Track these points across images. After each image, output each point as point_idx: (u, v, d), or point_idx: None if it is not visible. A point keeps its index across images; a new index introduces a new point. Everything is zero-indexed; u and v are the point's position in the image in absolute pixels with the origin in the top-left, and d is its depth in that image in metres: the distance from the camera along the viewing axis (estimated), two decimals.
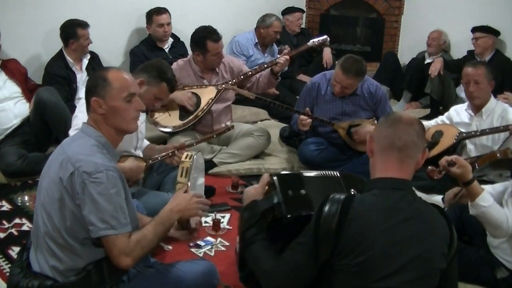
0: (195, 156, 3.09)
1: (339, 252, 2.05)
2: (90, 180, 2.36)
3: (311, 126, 4.77)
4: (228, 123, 4.45)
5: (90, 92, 2.59)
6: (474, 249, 3.41)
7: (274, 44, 6.92)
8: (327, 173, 2.64)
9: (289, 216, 2.36)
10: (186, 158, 3.05)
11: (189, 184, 2.93)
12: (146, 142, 4.21)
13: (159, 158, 3.77)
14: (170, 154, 3.83)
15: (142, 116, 3.96)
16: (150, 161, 3.70)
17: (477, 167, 3.13)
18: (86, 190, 2.36)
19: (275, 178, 2.51)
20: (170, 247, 3.55)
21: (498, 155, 3.13)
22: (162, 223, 2.59)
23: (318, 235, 2.06)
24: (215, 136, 4.45)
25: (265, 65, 5.20)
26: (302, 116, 4.70)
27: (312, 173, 2.68)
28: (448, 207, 3.42)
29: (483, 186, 3.51)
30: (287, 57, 5.09)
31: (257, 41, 6.72)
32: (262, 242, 2.35)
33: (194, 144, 4.12)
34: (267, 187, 2.55)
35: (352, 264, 2.03)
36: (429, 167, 2.71)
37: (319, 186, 2.54)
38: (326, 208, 2.09)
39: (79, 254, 2.45)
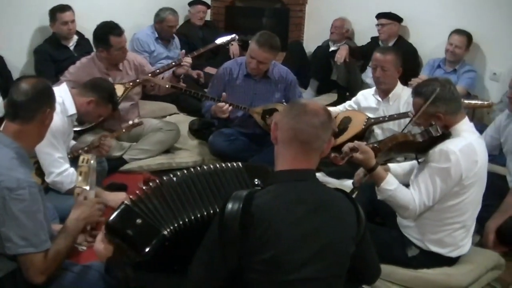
0: (92, 161, 3.04)
1: (247, 252, 2.00)
2: (12, 196, 2.32)
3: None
4: (136, 120, 4.40)
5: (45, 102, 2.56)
6: (386, 229, 3.50)
7: (176, 37, 6.89)
8: (227, 165, 2.51)
9: (147, 251, 2.21)
10: (82, 162, 2.99)
11: (88, 188, 2.89)
12: (72, 142, 4.20)
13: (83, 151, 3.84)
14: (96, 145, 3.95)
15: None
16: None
17: (380, 151, 3.18)
18: (7, 206, 2.31)
19: (107, 227, 2.30)
20: (85, 248, 3.47)
21: (399, 137, 3.19)
22: (71, 234, 2.59)
23: (223, 239, 2.01)
24: (124, 131, 4.42)
25: (173, 63, 5.16)
26: (220, 103, 4.70)
27: (198, 170, 2.48)
28: (357, 185, 3.48)
29: (390, 164, 3.61)
30: (190, 60, 5.07)
31: (157, 35, 6.67)
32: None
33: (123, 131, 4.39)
34: (108, 238, 2.34)
35: (262, 260, 2.00)
36: (332, 154, 2.74)
37: (215, 182, 2.41)
38: (229, 207, 2.02)
39: None
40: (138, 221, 2.23)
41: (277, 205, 2.05)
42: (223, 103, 4.69)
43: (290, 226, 2.03)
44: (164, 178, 2.37)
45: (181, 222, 2.26)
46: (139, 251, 2.21)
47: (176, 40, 6.93)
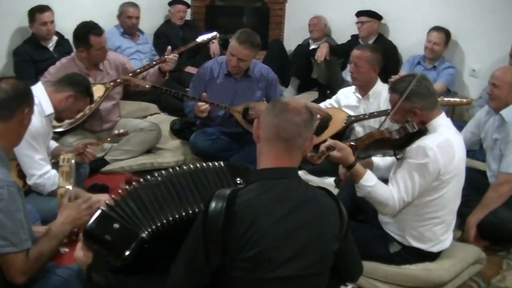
0: (72, 160, 3.03)
1: (231, 250, 2.00)
2: None
3: (208, 112, 4.77)
4: (122, 130, 4.40)
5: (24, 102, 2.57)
6: (368, 227, 3.52)
7: (145, 32, 6.88)
8: (208, 165, 2.49)
9: (127, 255, 2.19)
10: (63, 161, 2.98)
11: (70, 187, 2.88)
12: (54, 144, 4.15)
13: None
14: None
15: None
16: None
17: (358, 148, 3.19)
18: None
19: (84, 234, 2.27)
20: (67, 250, 3.46)
21: (375, 135, 3.19)
22: (56, 237, 2.58)
23: (206, 237, 2.01)
24: (109, 139, 4.41)
25: (154, 62, 5.15)
26: (199, 103, 4.70)
27: (178, 170, 2.47)
28: (343, 180, 3.49)
29: (373, 158, 3.62)
30: (176, 55, 5.05)
31: (122, 30, 6.64)
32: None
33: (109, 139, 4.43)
34: (87, 245, 2.32)
35: (246, 258, 2.00)
36: (309, 154, 2.75)
37: (195, 181, 2.40)
38: (212, 206, 2.01)
39: None
40: (116, 225, 2.21)
41: (260, 203, 2.05)
42: (202, 103, 4.68)
43: (273, 224, 2.03)
44: (142, 180, 2.37)
45: (159, 224, 2.25)
46: (118, 255, 2.19)
47: (146, 35, 6.92)
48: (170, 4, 7.32)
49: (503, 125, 4.06)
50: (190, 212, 2.29)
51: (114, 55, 5.22)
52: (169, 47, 5.08)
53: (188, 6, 7.50)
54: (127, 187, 2.33)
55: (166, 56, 5.03)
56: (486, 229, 3.92)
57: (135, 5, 6.63)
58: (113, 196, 2.30)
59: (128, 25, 6.61)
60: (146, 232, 2.22)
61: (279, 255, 2.03)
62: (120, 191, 2.31)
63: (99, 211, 2.25)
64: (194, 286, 2.10)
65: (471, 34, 6.16)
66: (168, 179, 2.38)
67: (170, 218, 2.26)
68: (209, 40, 5.47)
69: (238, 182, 2.36)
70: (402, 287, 3.32)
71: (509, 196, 3.97)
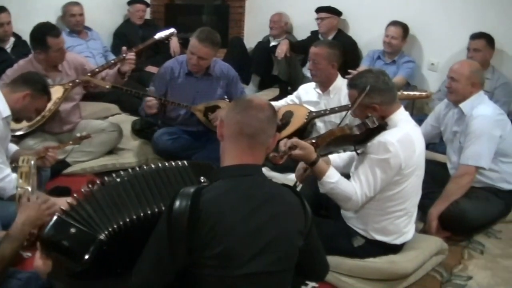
0: (32, 161, 3.00)
1: (197, 247, 2.00)
2: None
3: (160, 109, 4.77)
4: (84, 133, 4.35)
5: None
6: (332, 222, 3.53)
7: (92, 29, 6.82)
8: (171, 164, 2.50)
9: (86, 259, 2.17)
10: (22, 162, 2.95)
11: (29, 188, 2.85)
12: (14, 148, 4.08)
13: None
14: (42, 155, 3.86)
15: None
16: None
17: (319, 146, 3.20)
18: None
19: (41, 242, 2.26)
20: (30, 254, 3.42)
21: (336, 132, 3.20)
22: (17, 239, 2.55)
23: (171, 236, 2.01)
24: (71, 142, 4.36)
25: (112, 61, 5.10)
26: (148, 98, 4.69)
27: (138, 171, 2.45)
28: (300, 182, 3.51)
29: (330, 156, 3.64)
30: (133, 55, 5.00)
31: (68, 30, 6.57)
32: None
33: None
34: (45, 253, 2.29)
35: (212, 256, 2.00)
36: (271, 154, 2.75)
37: (156, 181, 2.40)
38: (176, 205, 2.01)
39: None
40: (72, 230, 2.19)
41: (225, 200, 2.06)
42: (151, 98, 4.67)
43: (238, 221, 2.03)
44: (98, 182, 2.35)
45: (116, 226, 2.23)
46: (78, 260, 2.17)
47: (95, 32, 6.87)
48: (129, 3, 7.27)
49: (462, 118, 4.11)
50: (149, 212, 2.28)
51: (72, 56, 5.15)
52: (124, 48, 5.02)
53: (147, 5, 7.45)
54: (83, 190, 2.31)
55: (124, 55, 4.96)
56: (447, 220, 3.97)
57: (77, 3, 6.58)
58: (68, 201, 2.28)
59: (73, 23, 6.56)
60: (104, 234, 2.20)
61: (244, 252, 2.03)
62: (75, 195, 2.29)
63: (54, 218, 2.23)
64: (159, 285, 2.09)
65: (430, 28, 6.23)
66: (126, 180, 2.37)
67: (127, 220, 2.25)
68: (167, 36, 5.42)
69: (202, 180, 2.36)
70: (367, 280, 3.35)
71: (469, 187, 4.03)
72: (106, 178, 2.35)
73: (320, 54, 4.54)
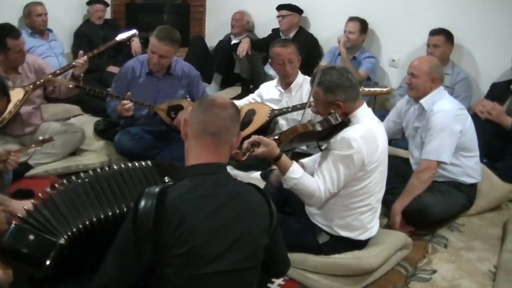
0: None
1: (162, 247, 2.00)
2: None
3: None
4: (47, 136, 4.29)
5: None
6: (296, 218, 3.54)
7: (52, 29, 6.73)
8: (134, 164, 2.51)
9: (48, 264, 2.16)
10: None
11: None
12: None
13: None
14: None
15: None
16: None
17: (282, 142, 3.21)
18: None
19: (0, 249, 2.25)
20: None
21: (299, 129, 3.21)
22: None
23: (137, 236, 2.00)
24: (33, 146, 4.30)
25: (66, 66, 5.02)
26: (123, 101, 4.65)
27: (99, 172, 2.46)
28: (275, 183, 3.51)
29: (302, 160, 3.65)
30: (85, 59, 4.88)
31: (31, 31, 6.48)
32: None
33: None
34: (5, 262, 2.29)
35: (177, 255, 2.00)
36: (233, 151, 2.77)
37: (118, 182, 2.40)
38: (142, 204, 2.01)
39: None
40: (31, 237, 2.18)
41: (190, 199, 2.06)
42: (126, 101, 4.63)
43: (204, 219, 2.04)
44: (57, 185, 2.34)
45: (75, 229, 2.23)
46: (39, 267, 2.16)
47: (55, 33, 6.79)
48: (88, 3, 7.20)
49: (423, 113, 4.16)
50: (110, 213, 2.29)
51: (33, 58, 5.09)
52: (81, 52, 4.95)
53: (106, 5, 7.38)
54: (40, 195, 2.29)
55: (74, 61, 4.86)
56: (410, 215, 4.02)
57: (40, 3, 6.50)
58: (24, 207, 2.26)
59: (39, 23, 6.46)
60: (64, 239, 2.19)
61: (210, 251, 2.04)
62: (32, 201, 2.28)
63: (12, 226, 2.21)
64: (123, 285, 2.08)
65: (390, 25, 6.30)
66: (87, 182, 2.37)
67: (87, 222, 2.25)
68: (129, 38, 5.39)
69: (167, 180, 2.36)
70: (333, 276, 3.36)
71: (431, 182, 4.08)
72: (65, 181, 2.34)
73: (292, 52, 4.65)
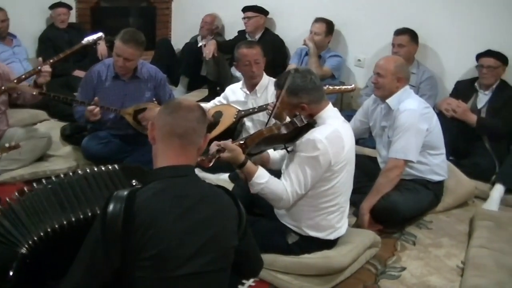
0: None
1: (131, 250, 1.99)
2: None
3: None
4: (13, 143, 4.24)
5: None
6: (265, 220, 3.55)
7: (16, 35, 6.68)
8: (101, 168, 2.49)
9: (11, 275, 2.13)
10: None
11: None
12: None
13: None
14: None
15: None
16: None
17: (248, 146, 3.21)
18: None
19: None
20: None
21: (264, 132, 3.22)
22: None
23: (106, 239, 1.98)
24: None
25: (32, 71, 4.95)
26: (90, 107, 4.60)
27: (63, 178, 2.44)
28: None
29: (269, 151, 3.65)
30: (48, 67, 4.84)
31: None
32: None
33: None
34: None
35: (147, 257, 1.99)
36: (199, 158, 2.76)
37: (83, 187, 2.39)
38: (110, 208, 2.00)
39: None
40: None
41: (159, 202, 2.06)
42: (93, 106, 4.59)
43: (173, 222, 2.04)
44: (16, 193, 2.32)
45: (35, 238, 2.21)
46: (2, 278, 2.13)
47: (18, 38, 6.73)
48: (50, 7, 7.12)
49: (389, 112, 4.19)
50: (74, 219, 2.27)
51: None
52: (40, 59, 4.87)
53: (70, 8, 7.29)
54: (7, 199, 2.27)
55: (40, 67, 4.70)
56: (379, 213, 4.05)
57: (1, 9, 6.43)
58: None
59: (0, 29, 6.41)
60: (25, 248, 2.17)
61: (180, 253, 2.04)
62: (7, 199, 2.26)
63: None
64: None
65: (355, 24, 6.35)
66: (49, 188, 2.36)
67: (49, 229, 2.22)
68: (95, 41, 5.34)
69: (134, 184, 2.36)
70: (303, 276, 3.37)
71: (398, 180, 4.12)
72: (25, 189, 2.32)
73: (258, 53, 4.67)
